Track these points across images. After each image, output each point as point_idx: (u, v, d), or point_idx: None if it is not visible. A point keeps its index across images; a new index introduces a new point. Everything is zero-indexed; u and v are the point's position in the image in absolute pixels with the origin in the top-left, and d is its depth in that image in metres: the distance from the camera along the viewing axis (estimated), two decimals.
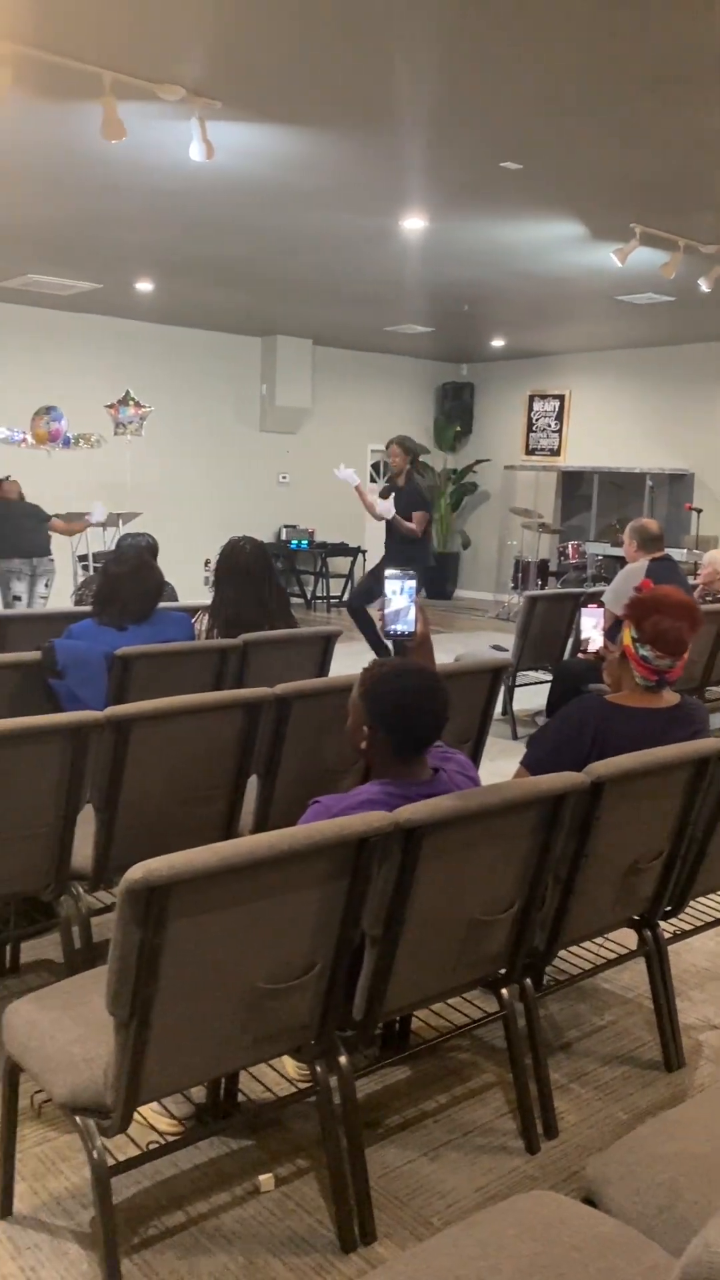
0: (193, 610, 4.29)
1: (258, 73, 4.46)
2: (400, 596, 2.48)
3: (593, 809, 2.37)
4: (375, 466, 13.46)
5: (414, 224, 6.86)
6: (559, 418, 12.83)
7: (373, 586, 7.50)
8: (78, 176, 5.99)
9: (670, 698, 2.85)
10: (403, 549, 7.39)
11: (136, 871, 1.67)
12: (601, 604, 3.57)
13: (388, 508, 7.31)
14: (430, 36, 4.03)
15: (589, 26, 3.88)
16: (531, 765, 2.72)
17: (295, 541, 12.20)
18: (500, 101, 4.69)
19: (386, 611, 2.50)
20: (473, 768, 2.38)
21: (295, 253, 7.82)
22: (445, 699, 2.18)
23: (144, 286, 9.23)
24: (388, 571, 2.56)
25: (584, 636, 5.22)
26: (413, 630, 2.50)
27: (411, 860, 2.04)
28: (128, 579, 3.72)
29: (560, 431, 12.82)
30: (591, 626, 3.78)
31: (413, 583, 2.53)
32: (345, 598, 7.69)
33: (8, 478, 8.10)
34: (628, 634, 2.78)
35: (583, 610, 3.41)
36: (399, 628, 2.51)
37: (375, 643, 7.43)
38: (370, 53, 4.20)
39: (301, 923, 1.97)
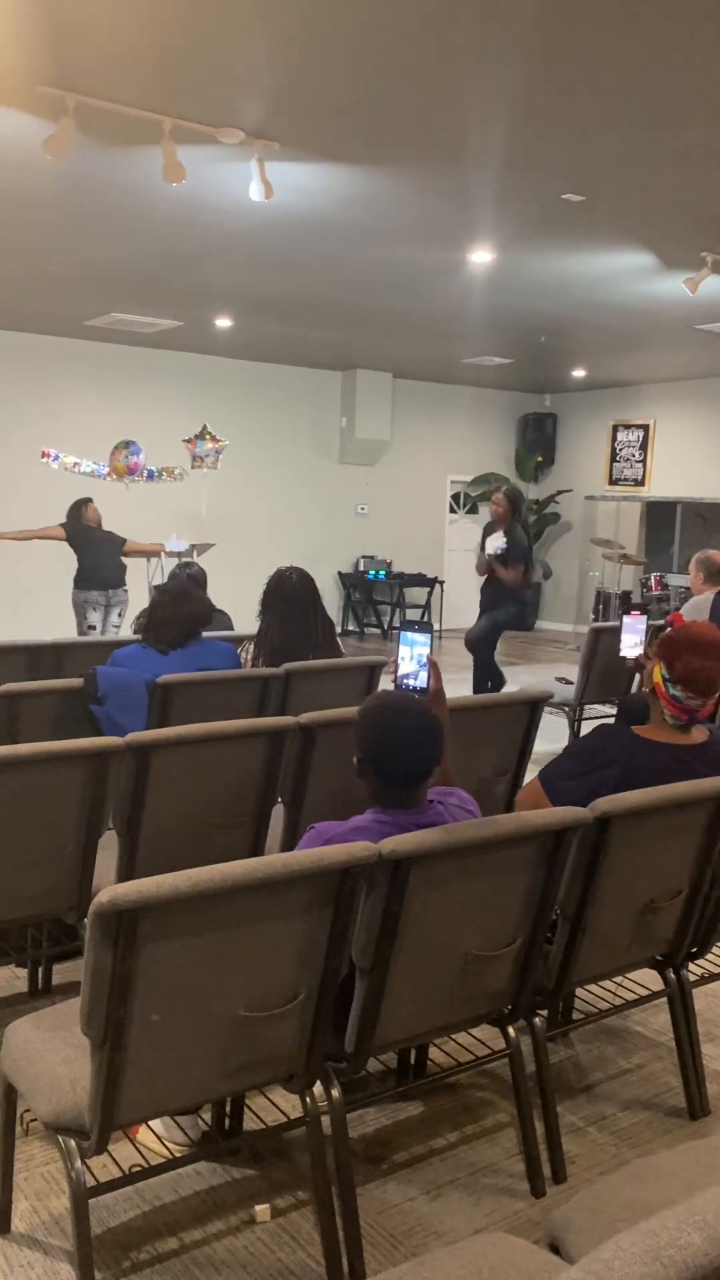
0: (239, 640, 4.36)
1: (315, 114, 4.56)
2: (410, 662, 2.50)
3: (600, 845, 2.33)
4: (455, 497, 13.47)
5: (481, 257, 6.89)
6: (643, 447, 12.67)
7: (488, 629, 7.57)
8: (148, 218, 6.18)
9: (699, 734, 2.78)
10: (495, 593, 7.54)
11: (105, 895, 1.70)
12: (645, 611, 3.50)
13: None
14: (485, 72, 4.07)
15: (650, 56, 3.87)
16: (545, 780, 2.70)
17: (373, 572, 12.26)
18: (560, 135, 4.70)
19: (398, 673, 2.52)
20: (474, 803, 2.35)
21: (367, 288, 7.92)
22: (433, 745, 2.17)
23: (223, 323, 9.45)
24: (402, 633, 2.58)
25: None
26: (425, 686, 2.51)
27: (399, 892, 2.02)
28: (167, 605, 3.82)
29: (644, 461, 12.65)
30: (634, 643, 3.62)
31: (425, 646, 2.54)
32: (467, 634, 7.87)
33: (90, 500, 8.25)
34: (658, 672, 2.74)
35: (624, 619, 3.31)
36: (410, 683, 2.53)
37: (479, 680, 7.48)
38: (427, 91, 4.25)
39: (284, 951, 1.97)
